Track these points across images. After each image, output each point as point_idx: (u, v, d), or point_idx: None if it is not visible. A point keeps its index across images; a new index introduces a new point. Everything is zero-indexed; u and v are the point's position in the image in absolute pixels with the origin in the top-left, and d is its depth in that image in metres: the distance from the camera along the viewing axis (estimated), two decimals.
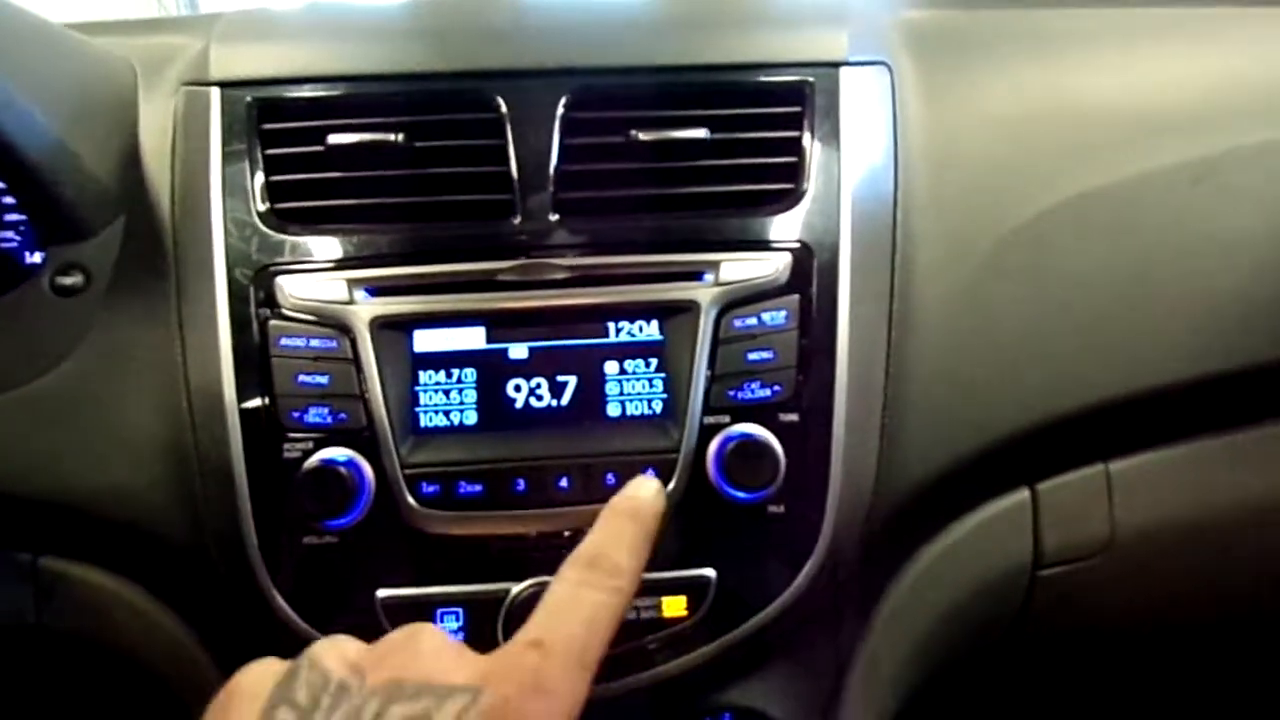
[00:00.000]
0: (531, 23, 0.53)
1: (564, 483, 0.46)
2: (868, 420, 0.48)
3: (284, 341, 0.47)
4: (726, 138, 0.50)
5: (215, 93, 0.51)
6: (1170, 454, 0.56)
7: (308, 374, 0.46)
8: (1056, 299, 0.52)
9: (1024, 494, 0.55)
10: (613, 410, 0.48)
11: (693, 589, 0.47)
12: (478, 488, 0.46)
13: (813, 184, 0.50)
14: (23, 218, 0.53)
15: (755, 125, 0.50)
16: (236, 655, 0.32)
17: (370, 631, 0.45)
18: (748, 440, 0.46)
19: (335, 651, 0.29)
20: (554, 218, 0.49)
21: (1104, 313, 0.52)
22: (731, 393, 0.47)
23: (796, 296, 0.48)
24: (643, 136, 0.49)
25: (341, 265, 0.48)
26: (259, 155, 0.49)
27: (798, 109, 0.51)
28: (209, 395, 0.47)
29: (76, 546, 0.50)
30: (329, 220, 0.49)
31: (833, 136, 0.51)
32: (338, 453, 0.45)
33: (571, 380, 0.48)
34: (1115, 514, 0.55)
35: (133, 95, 0.54)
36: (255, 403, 0.46)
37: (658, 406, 0.48)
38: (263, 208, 0.49)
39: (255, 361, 0.47)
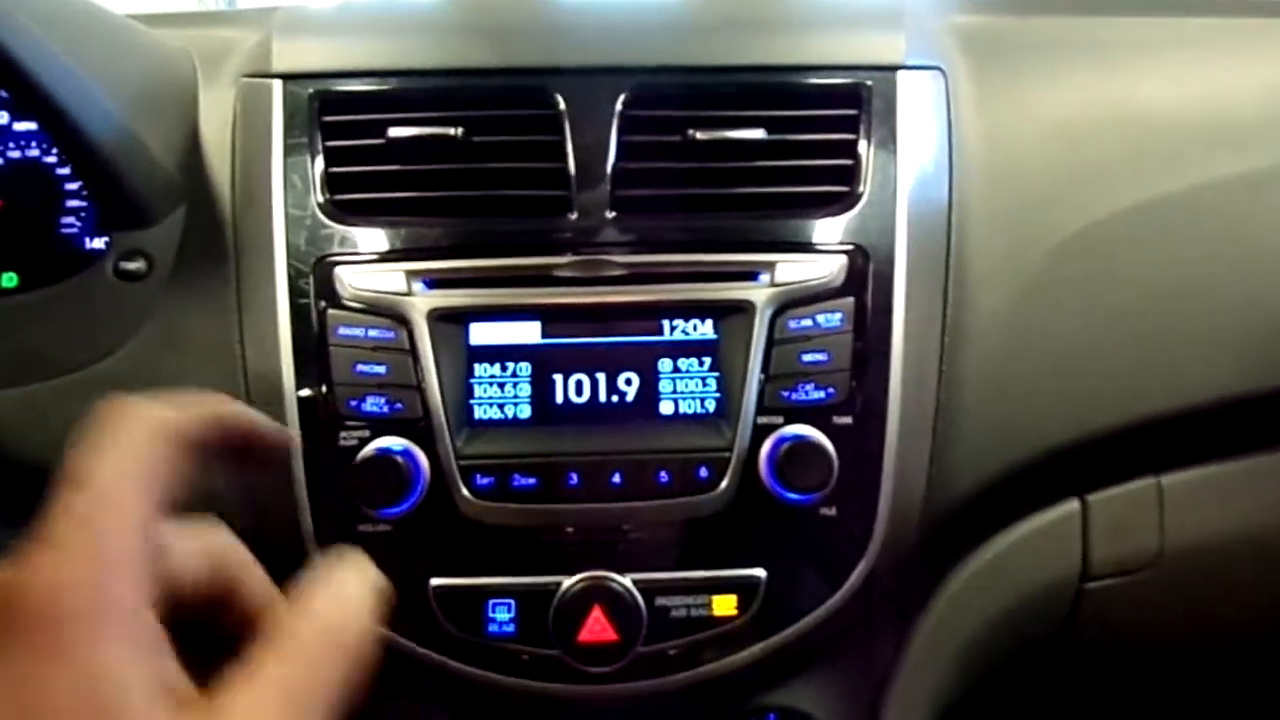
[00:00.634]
0: (590, 20, 0.54)
1: (617, 478, 0.46)
2: (920, 425, 0.48)
3: (342, 331, 0.47)
4: (783, 139, 0.50)
5: (277, 85, 0.51)
6: (1223, 469, 0.55)
7: (365, 364, 0.47)
8: (1112, 309, 0.51)
9: (1074, 505, 0.54)
10: (666, 408, 0.48)
11: (743, 589, 0.47)
12: (531, 481, 0.46)
13: (868, 187, 0.50)
14: (84, 204, 0.54)
15: (812, 127, 0.50)
16: None
17: (423, 618, 0.46)
18: (801, 442, 0.46)
19: None
20: (610, 215, 0.49)
21: (1159, 324, 0.52)
22: (785, 393, 0.47)
23: (851, 299, 0.48)
24: (700, 136, 0.49)
25: (400, 257, 0.48)
26: (319, 147, 0.50)
27: (854, 112, 0.51)
28: (267, 382, 0.47)
29: None
30: (388, 212, 0.49)
31: (889, 140, 0.51)
32: (394, 442, 0.45)
33: (625, 377, 0.48)
34: (1165, 528, 0.54)
35: (193, 86, 0.55)
36: (313, 391, 0.47)
37: (711, 405, 0.48)
38: (322, 199, 0.49)
39: (313, 350, 0.47)
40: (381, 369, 0.47)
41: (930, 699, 0.53)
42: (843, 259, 0.48)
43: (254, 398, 0.48)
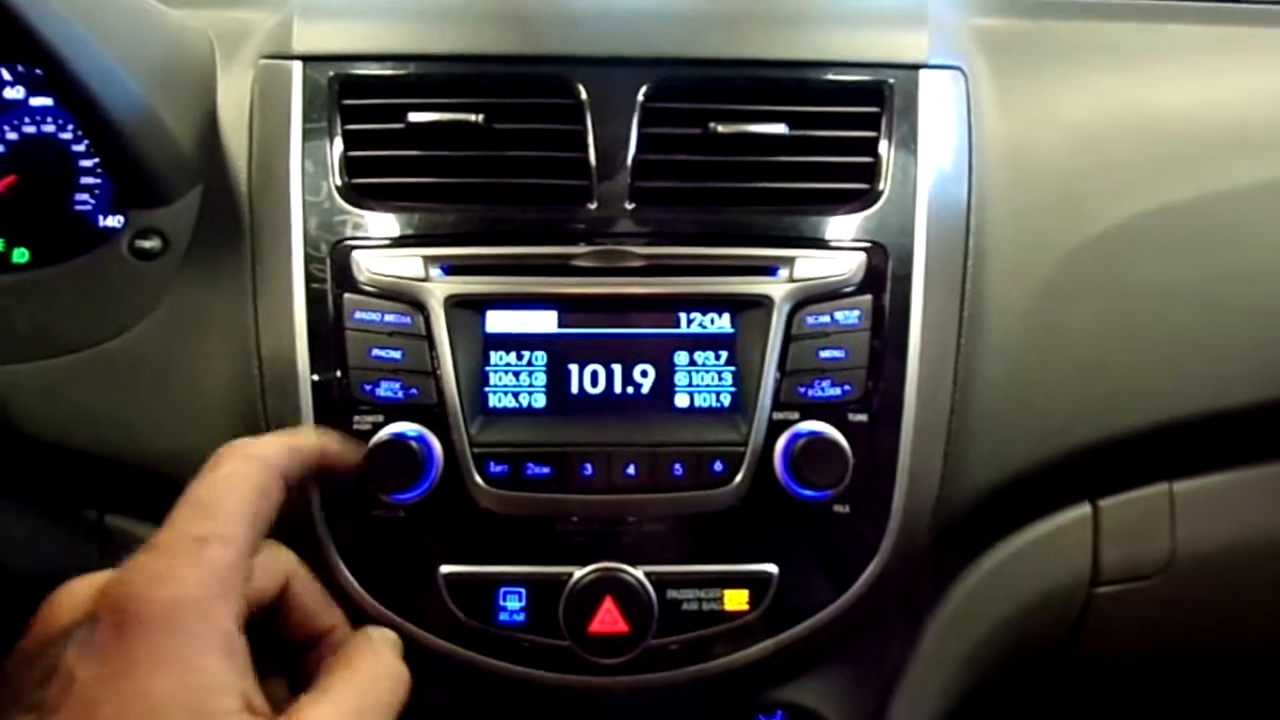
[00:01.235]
0: (614, 11, 0.53)
1: (631, 470, 0.46)
2: (935, 424, 0.48)
3: (358, 315, 0.47)
4: (804, 134, 0.50)
5: (297, 66, 0.51)
6: (1236, 477, 0.55)
7: (381, 348, 0.46)
8: (1128, 313, 0.51)
9: (1086, 509, 0.54)
10: (681, 401, 0.48)
11: (755, 584, 0.47)
12: (545, 470, 0.46)
13: (888, 185, 0.50)
14: (99, 181, 0.54)
15: (833, 123, 0.50)
16: None
17: (434, 606, 0.46)
18: (816, 438, 0.45)
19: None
20: (630, 206, 0.49)
21: (1176, 330, 0.52)
22: (802, 389, 0.47)
23: (870, 297, 0.48)
24: (721, 129, 0.49)
25: (417, 242, 0.48)
26: (339, 130, 0.50)
27: (876, 109, 0.51)
28: (281, 364, 0.47)
29: (143, 506, 0.51)
30: (406, 197, 0.49)
31: (910, 138, 0.50)
32: (408, 427, 0.45)
33: (641, 369, 0.48)
34: (1177, 535, 0.54)
35: (211, 66, 0.55)
36: (327, 374, 0.47)
37: (726, 400, 0.48)
38: (340, 182, 0.49)
39: (329, 334, 0.47)
40: (397, 354, 0.46)
41: (939, 699, 0.53)
42: (861, 256, 0.48)
43: (267, 380, 0.48)
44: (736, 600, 0.46)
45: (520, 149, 0.49)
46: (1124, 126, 0.54)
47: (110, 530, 0.52)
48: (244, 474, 0.32)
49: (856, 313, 0.48)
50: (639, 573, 0.46)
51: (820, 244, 0.49)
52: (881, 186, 0.50)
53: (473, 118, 0.49)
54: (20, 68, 0.55)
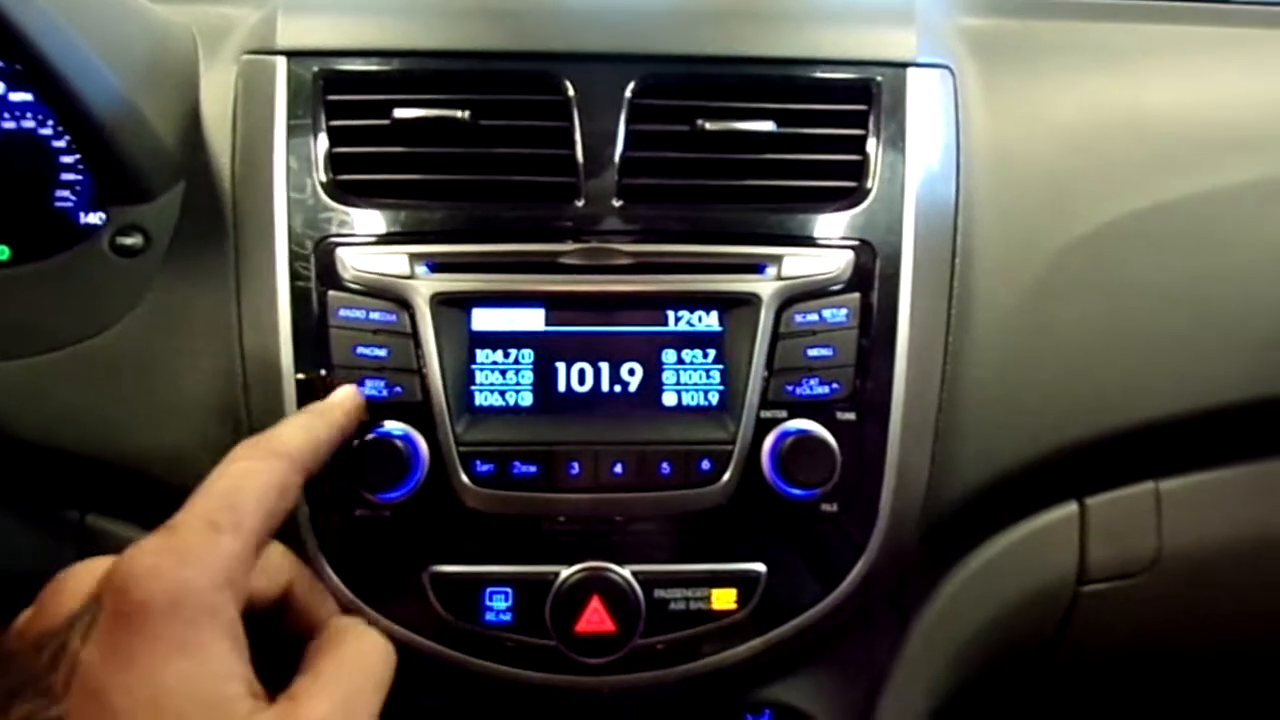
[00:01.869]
0: (602, 6, 0.53)
1: (618, 469, 0.46)
2: (923, 423, 0.48)
3: (343, 313, 0.46)
4: (792, 132, 0.49)
5: (281, 62, 0.51)
6: (1221, 476, 0.55)
7: (366, 346, 0.46)
8: (1116, 312, 0.51)
9: (1072, 507, 0.54)
10: (669, 399, 0.48)
11: (743, 583, 0.47)
12: (531, 469, 0.46)
13: (876, 183, 0.49)
14: (79, 178, 0.53)
15: (821, 121, 0.50)
16: None
17: (420, 605, 0.46)
18: (804, 436, 0.45)
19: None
20: (617, 203, 0.48)
21: (1163, 328, 0.52)
22: (789, 388, 0.47)
23: (857, 295, 0.48)
24: (709, 126, 0.49)
25: (403, 239, 0.48)
26: (323, 126, 0.49)
27: (864, 107, 0.51)
28: (264, 362, 0.47)
29: (123, 506, 0.50)
30: (391, 194, 0.49)
31: (898, 137, 0.50)
32: (393, 426, 0.45)
33: (628, 367, 0.48)
34: (1163, 533, 0.55)
35: (194, 62, 0.54)
36: (311, 372, 0.46)
37: (714, 398, 0.48)
38: (325, 179, 0.49)
39: (313, 331, 0.46)
40: (382, 352, 0.46)
41: (925, 698, 0.53)
42: (849, 254, 0.48)
43: (250, 378, 0.47)
44: (724, 599, 0.46)
45: (506, 146, 0.49)
46: (1112, 126, 0.55)
47: (91, 530, 0.51)
48: (268, 470, 0.33)
49: (844, 311, 0.47)
50: (626, 572, 0.46)
51: (808, 242, 0.48)
52: (869, 184, 0.49)
53: (459, 114, 0.48)
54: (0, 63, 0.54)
